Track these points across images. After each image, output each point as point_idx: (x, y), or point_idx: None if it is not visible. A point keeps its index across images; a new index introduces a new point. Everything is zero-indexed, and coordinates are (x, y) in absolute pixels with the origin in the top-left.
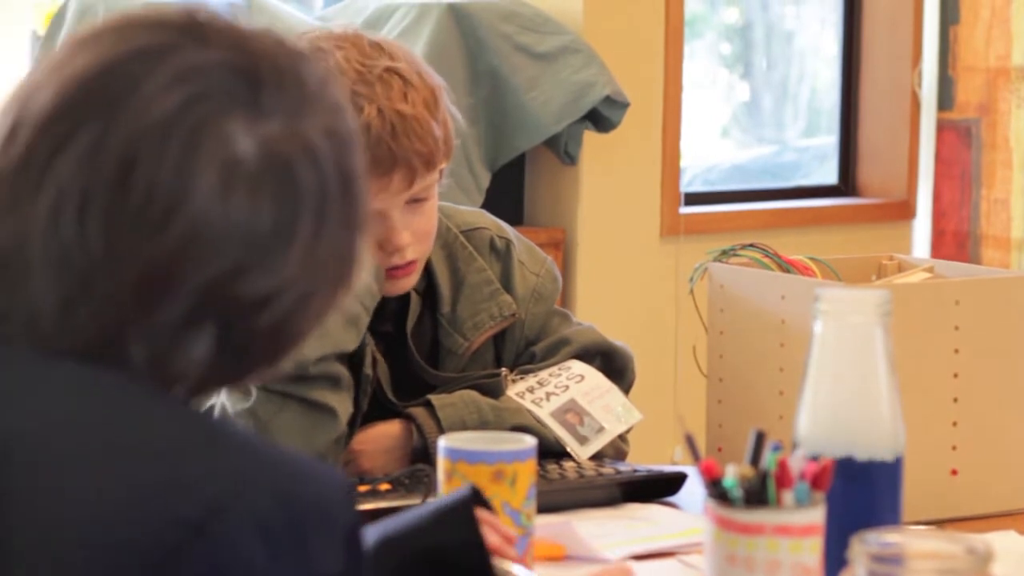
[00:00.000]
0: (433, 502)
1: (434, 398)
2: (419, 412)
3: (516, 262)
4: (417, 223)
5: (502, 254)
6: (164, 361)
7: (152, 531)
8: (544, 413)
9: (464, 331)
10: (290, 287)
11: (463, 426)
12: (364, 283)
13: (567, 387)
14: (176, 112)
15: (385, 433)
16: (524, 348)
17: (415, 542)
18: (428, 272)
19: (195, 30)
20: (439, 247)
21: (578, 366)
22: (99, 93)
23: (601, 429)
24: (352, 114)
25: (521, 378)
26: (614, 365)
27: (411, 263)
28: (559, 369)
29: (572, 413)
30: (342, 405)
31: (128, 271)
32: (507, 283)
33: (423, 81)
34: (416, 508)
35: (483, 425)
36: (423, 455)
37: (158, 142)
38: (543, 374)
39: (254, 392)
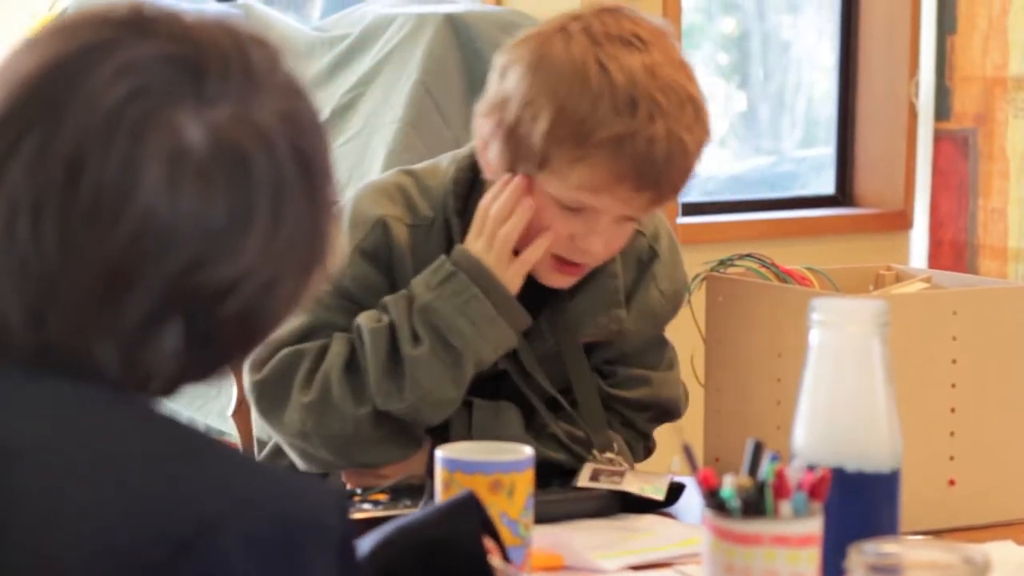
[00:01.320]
0: (435, 504)
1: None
2: None
3: (649, 277)
4: (614, 238)
5: (643, 264)
6: (136, 359)
7: (145, 545)
8: (584, 474)
9: (565, 327)
10: (252, 274)
11: None
12: (510, 342)
13: (625, 469)
14: (119, 106)
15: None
16: (615, 358)
17: (414, 537)
18: None
19: (138, 24)
20: None
21: (651, 477)
22: (44, 94)
23: (618, 482)
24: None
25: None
26: (670, 420)
27: (582, 266)
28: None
29: (607, 474)
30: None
31: (87, 272)
32: (631, 293)
33: (707, 121)
34: (418, 510)
35: None
36: None
37: (103, 139)
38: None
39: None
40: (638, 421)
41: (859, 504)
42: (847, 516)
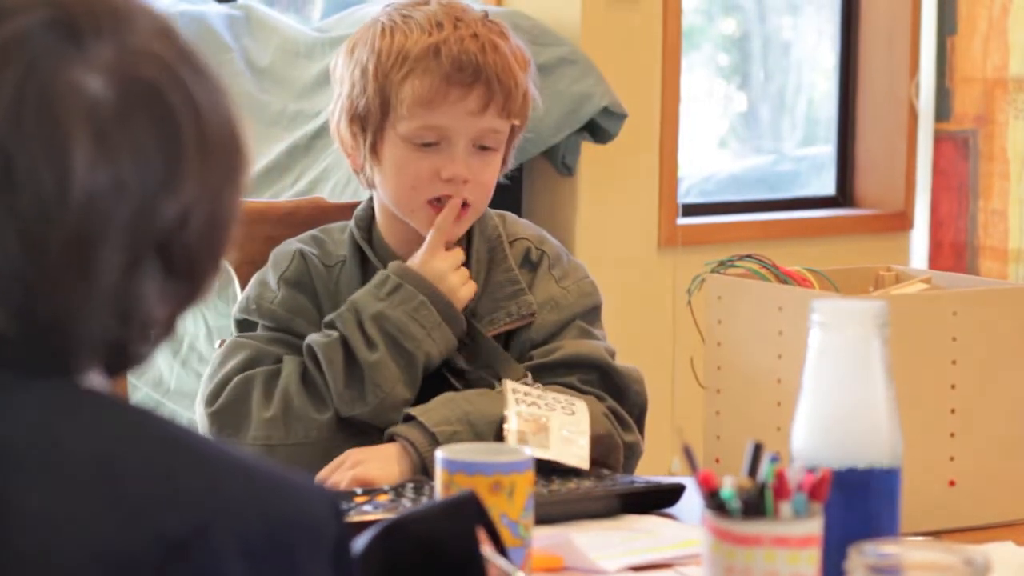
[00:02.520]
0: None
1: (413, 411)
2: (404, 429)
3: (543, 272)
4: (479, 170)
5: (534, 264)
6: (130, 313)
7: (137, 547)
8: (512, 410)
9: (480, 325)
10: (201, 193)
11: (447, 423)
12: (451, 343)
13: (554, 409)
14: (17, 87)
15: (386, 450)
16: (529, 349)
17: (412, 532)
18: (466, 266)
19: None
20: (485, 248)
21: (581, 406)
22: None
23: (543, 448)
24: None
25: (528, 383)
26: (613, 382)
27: (466, 207)
28: (565, 396)
29: (535, 424)
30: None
31: (50, 255)
32: (530, 286)
33: (519, 47)
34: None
35: (465, 416)
36: (423, 471)
37: (15, 126)
38: (549, 393)
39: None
40: (573, 382)
41: (859, 505)
42: (847, 517)
